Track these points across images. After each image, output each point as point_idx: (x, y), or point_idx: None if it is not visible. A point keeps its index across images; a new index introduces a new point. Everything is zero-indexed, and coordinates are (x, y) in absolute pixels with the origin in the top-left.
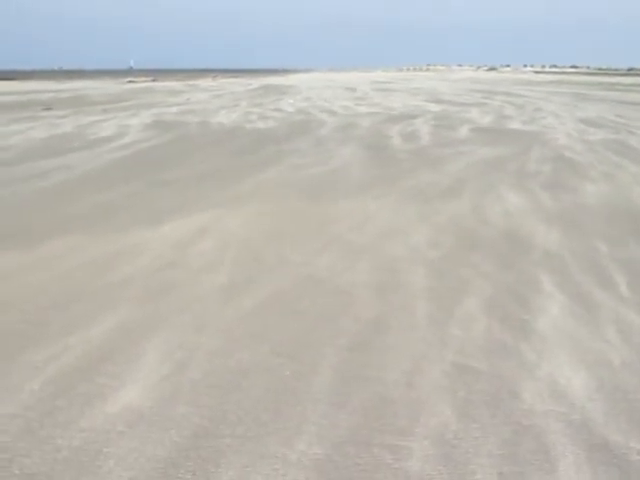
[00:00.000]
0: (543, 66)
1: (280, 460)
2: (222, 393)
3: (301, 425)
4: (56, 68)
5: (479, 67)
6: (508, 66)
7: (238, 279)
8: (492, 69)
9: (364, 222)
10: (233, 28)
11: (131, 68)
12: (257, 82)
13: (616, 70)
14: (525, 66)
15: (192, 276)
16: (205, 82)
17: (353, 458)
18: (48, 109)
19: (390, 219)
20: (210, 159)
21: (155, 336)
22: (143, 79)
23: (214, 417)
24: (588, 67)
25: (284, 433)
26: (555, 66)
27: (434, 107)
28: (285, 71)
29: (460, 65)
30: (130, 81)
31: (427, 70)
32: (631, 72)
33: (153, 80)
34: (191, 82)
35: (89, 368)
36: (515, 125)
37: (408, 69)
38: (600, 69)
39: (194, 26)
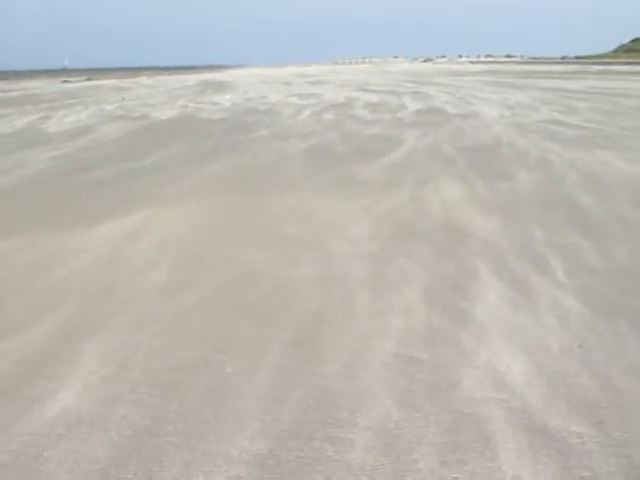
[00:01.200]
0: (478, 56)
1: (222, 456)
2: (163, 392)
3: (243, 421)
4: None
5: (415, 59)
6: (444, 57)
7: (178, 277)
8: (428, 60)
9: (304, 216)
10: (167, 26)
11: (65, 67)
12: (194, 78)
13: (549, 59)
14: (460, 56)
15: (131, 275)
16: (142, 80)
17: (295, 452)
18: None
19: (330, 212)
20: (151, 155)
21: (94, 337)
22: (77, 78)
23: (155, 416)
24: (522, 56)
25: (226, 429)
26: (490, 56)
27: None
28: (222, 67)
29: (396, 57)
30: (65, 81)
31: (363, 63)
32: (564, 60)
33: (87, 79)
34: (129, 80)
35: (27, 371)
36: (447, 111)
37: (344, 62)
38: (534, 58)
39: (129, 24)
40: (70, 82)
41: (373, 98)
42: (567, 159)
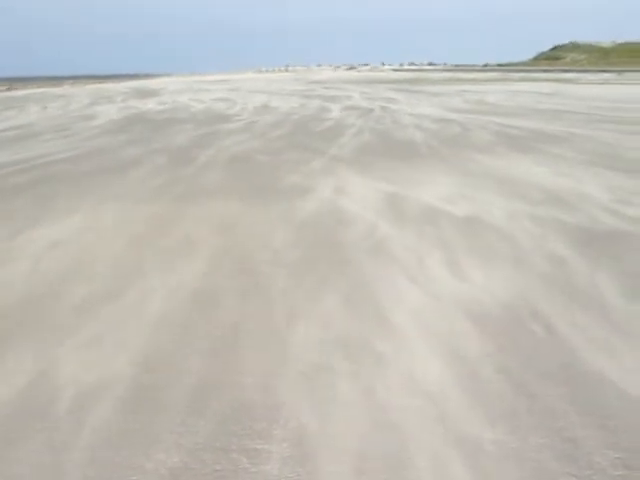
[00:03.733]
0: (401, 64)
1: (137, 470)
2: (78, 405)
3: (159, 434)
4: None
5: (338, 67)
6: (367, 65)
7: (97, 290)
8: (351, 68)
9: (224, 225)
10: (86, 33)
11: None
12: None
13: (472, 66)
14: (383, 64)
15: (49, 289)
16: (62, 89)
17: (211, 465)
18: None
19: (250, 220)
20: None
21: (12, 351)
22: None
23: (70, 431)
24: (445, 64)
25: (142, 443)
26: (413, 64)
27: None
28: (147, 76)
29: (320, 65)
30: None
31: (286, 71)
32: (486, 68)
33: (8, 89)
34: (52, 89)
35: None
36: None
37: (267, 71)
38: (457, 65)
39: (49, 33)
40: None
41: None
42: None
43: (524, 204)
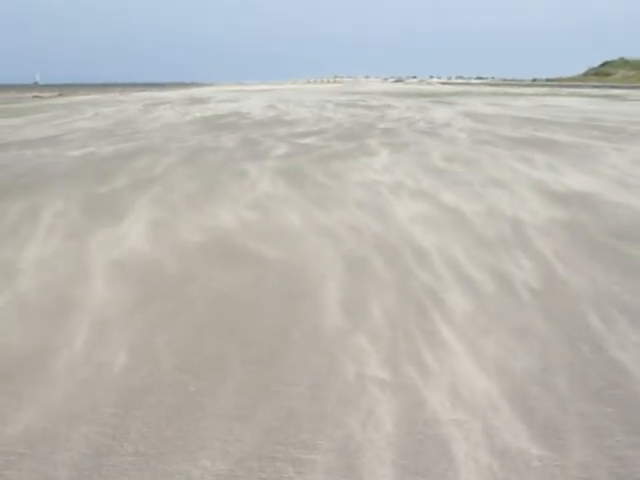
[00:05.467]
0: (449, 77)
1: (184, 476)
2: (125, 411)
3: (205, 441)
4: None
5: (386, 79)
6: (415, 77)
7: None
8: (399, 81)
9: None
10: (135, 43)
11: (36, 83)
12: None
13: (520, 81)
14: (432, 77)
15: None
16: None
17: (256, 472)
18: None
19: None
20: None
21: (57, 355)
22: (49, 94)
23: (117, 435)
24: (493, 77)
25: (187, 449)
26: (461, 77)
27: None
28: (190, 84)
29: (367, 77)
30: (35, 96)
31: (334, 82)
32: (535, 83)
33: (59, 94)
34: (103, 96)
35: None
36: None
37: (315, 81)
38: (505, 80)
39: (103, 40)
40: (42, 98)
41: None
42: None
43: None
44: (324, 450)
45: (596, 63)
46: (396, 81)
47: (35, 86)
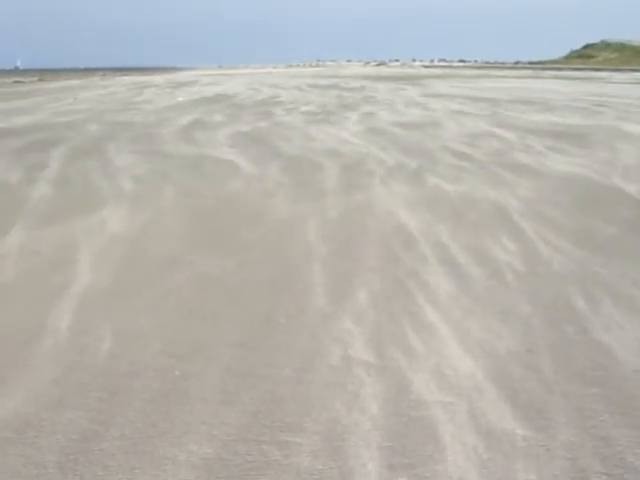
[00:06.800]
0: (432, 60)
1: (170, 460)
2: (111, 396)
3: (191, 425)
4: None
5: (368, 62)
6: (397, 61)
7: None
8: (381, 64)
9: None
10: (113, 26)
11: (17, 68)
12: (160, 79)
13: (503, 63)
14: (414, 60)
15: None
16: (97, 80)
17: (243, 456)
18: None
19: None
20: None
21: (41, 339)
22: (30, 79)
23: (102, 420)
24: (475, 61)
25: (174, 433)
26: (444, 60)
27: None
28: (173, 69)
29: (349, 61)
30: (16, 81)
31: (316, 66)
32: (517, 65)
33: (40, 79)
34: (85, 80)
35: None
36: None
37: (298, 65)
38: (487, 62)
39: (83, 24)
40: (24, 83)
41: None
42: None
43: None
44: (310, 433)
45: (578, 46)
46: (378, 64)
47: (16, 71)
